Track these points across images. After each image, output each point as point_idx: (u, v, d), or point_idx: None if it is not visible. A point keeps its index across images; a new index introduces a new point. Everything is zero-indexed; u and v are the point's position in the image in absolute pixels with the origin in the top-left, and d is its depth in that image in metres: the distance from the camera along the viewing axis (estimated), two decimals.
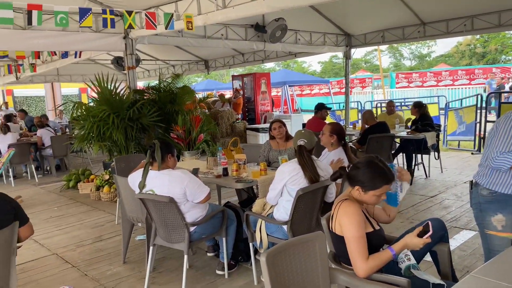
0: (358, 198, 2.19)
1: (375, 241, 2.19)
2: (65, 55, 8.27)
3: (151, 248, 3.58)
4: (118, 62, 12.77)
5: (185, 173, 3.35)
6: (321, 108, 6.90)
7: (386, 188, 2.17)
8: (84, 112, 6.83)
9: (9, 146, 8.22)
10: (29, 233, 2.74)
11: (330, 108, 7.60)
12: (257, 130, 10.97)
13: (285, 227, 3.24)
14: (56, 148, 8.95)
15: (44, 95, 20.01)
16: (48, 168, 9.61)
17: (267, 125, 11.38)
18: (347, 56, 10.87)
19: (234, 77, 13.83)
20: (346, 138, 4.23)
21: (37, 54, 8.08)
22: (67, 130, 12.07)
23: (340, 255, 2.23)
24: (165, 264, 4.04)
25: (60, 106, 15.07)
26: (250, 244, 3.50)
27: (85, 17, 4.60)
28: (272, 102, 13.93)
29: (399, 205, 2.54)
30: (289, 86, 16.81)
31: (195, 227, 3.40)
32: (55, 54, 8.60)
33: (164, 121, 7.31)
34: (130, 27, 5.07)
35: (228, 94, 14.99)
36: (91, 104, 7.15)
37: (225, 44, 8.50)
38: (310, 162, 3.18)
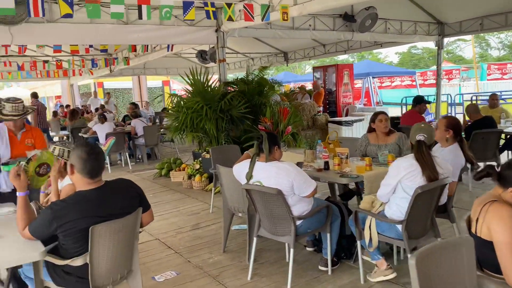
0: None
1: None
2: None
3: (254, 239, 3.59)
4: (202, 55, 13.08)
5: (291, 165, 3.30)
6: (420, 101, 6.51)
7: None
8: (180, 104, 7.07)
9: (107, 135, 8.79)
10: (150, 219, 2.85)
11: (429, 102, 7.16)
12: (339, 123, 10.69)
13: (399, 226, 3.07)
14: (148, 137, 9.42)
15: (131, 87, 21.26)
16: (140, 156, 10.16)
17: (350, 118, 11.08)
18: (439, 46, 10.21)
19: (315, 69, 13.61)
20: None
21: (133, 48, 8.51)
22: (157, 121, 12.65)
23: (485, 262, 2.03)
24: (265, 255, 4.04)
25: (156, 98, 15.84)
26: (358, 243, 3.38)
27: (189, 10, 4.72)
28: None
29: None
30: (372, 77, 16.22)
31: (301, 221, 3.34)
32: (147, 50, 9.02)
33: (252, 112, 7.36)
34: (230, 19, 5.11)
35: (308, 86, 14.79)
36: (184, 96, 7.37)
37: (313, 35, 8.36)
38: (430, 159, 2.97)
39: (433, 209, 3.17)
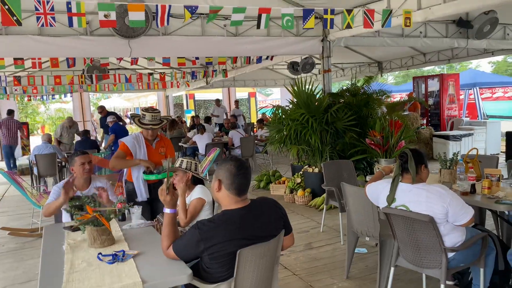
0: None
1: None
2: (259, 60, 8.58)
3: (392, 269, 3.20)
4: (293, 67, 12.93)
5: (445, 189, 2.88)
6: None
7: None
8: (283, 116, 6.89)
9: (207, 146, 8.89)
10: (291, 243, 2.62)
11: None
12: (446, 137, 9.82)
13: None
14: (245, 148, 9.38)
15: (220, 99, 21.78)
16: None
17: (458, 132, 10.16)
18: None
19: (415, 79, 12.78)
20: None
21: (234, 60, 8.55)
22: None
23: None
24: (397, 285, 3.62)
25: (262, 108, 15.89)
26: None
27: (308, 18, 4.51)
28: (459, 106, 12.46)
29: None
30: (479, 88, 14.89)
31: (454, 253, 2.89)
32: (249, 62, 9.01)
33: (357, 125, 6.95)
34: (348, 26, 4.82)
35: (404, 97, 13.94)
36: (288, 107, 7.17)
37: (424, 42, 7.76)
38: None
39: None
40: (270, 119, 7.84)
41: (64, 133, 10.20)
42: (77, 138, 10.11)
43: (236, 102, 16.82)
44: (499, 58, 36.84)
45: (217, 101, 15.91)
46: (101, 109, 11.25)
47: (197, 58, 7.95)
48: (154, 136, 3.91)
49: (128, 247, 2.58)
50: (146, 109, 3.82)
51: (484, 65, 38.30)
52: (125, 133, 9.34)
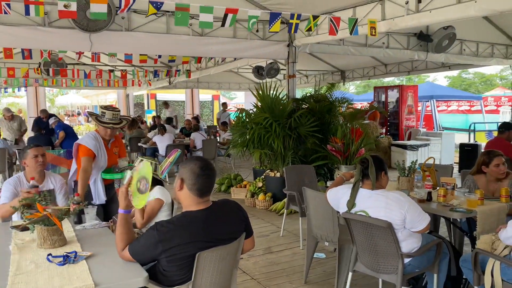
0: None
1: None
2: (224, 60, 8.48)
3: (349, 274, 3.23)
4: (258, 71, 12.97)
5: (403, 196, 2.93)
6: (509, 128, 5.94)
7: None
8: (247, 119, 6.86)
9: (167, 147, 8.71)
10: (251, 246, 2.57)
11: None
12: (404, 147, 10.14)
13: None
14: (207, 151, 9.27)
15: (183, 100, 21.47)
16: None
17: (415, 142, 10.51)
18: None
19: (376, 89, 13.14)
20: None
21: (199, 60, 8.44)
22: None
23: None
24: None
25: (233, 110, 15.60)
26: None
27: (275, 21, 4.51)
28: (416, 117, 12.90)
29: None
30: (436, 100, 15.49)
31: (410, 259, 2.95)
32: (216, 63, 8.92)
33: (320, 131, 7.03)
34: (310, 30, 4.85)
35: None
36: (252, 111, 7.15)
37: (386, 53, 7.97)
38: None
39: None
40: (233, 122, 7.79)
41: (2, 127, 9.51)
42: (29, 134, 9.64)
43: (224, 104, 16.55)
44: (455, 73, 38.57)
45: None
46: (45, 114, 10.58)
47: (159, 57, 7.79)
48: (112, 136, 3.76)
49: (80, 248, 2.45)
50: (106, 107, 3.67)
51: (441, 79, 39.96)
52: (70, 128, 9.76)
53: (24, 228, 2.62)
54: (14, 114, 10.16)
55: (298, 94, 8.69)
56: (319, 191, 3.91)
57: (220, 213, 2.29)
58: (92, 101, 28.26)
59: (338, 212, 3.31)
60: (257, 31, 6.59)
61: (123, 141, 11.46)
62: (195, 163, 2.21)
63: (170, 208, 3.49)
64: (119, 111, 3.69)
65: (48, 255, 2.27)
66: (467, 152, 9.36)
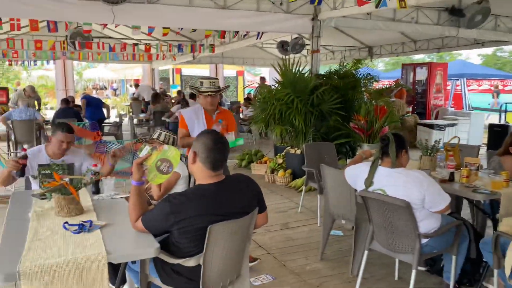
0: None
1: None
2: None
3: (365, 252, 3.19)
4: (283, 46, 12.73)
5: (423, 175, 2.85)
6: None
7: None
8: (268, 95, 6.78)
9: None
10: (265, 221, 2.56)
11: None
12: (431, 126, 9.86)
13: None
14: None
15: (208, 75, 21.45)
16: None
17: (442, 121, 10.21)
18: None
19: (404, 66, 12.74)
20: None
21: (222, 35, 8.34)
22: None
23: None
24: (370, 269, 3.62)
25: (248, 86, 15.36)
26: (495, 271, 2.85)
27: None
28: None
29: None
30: (466, 79, 14.93)
31: (428, 239, 2.88)
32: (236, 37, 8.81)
33: (343, 109, 6.89)
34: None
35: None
36: (274, 86, 7.06)
37: (415, 28, 7.70)
38: None
39: None
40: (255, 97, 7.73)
41: (20, 102, 9.69)
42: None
43: (262, 78, 15.49)
44: (489, 51, 36.93)
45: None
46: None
47: (181, 29, 7.72)
48: (214, 106, 3.72)
49: (96, 217, 2.49)
50: (204, 77, 3.74)
51: (474, 57, 38.40)
52: (95, 100, 10.28)
53: (43, 196, 2.68)
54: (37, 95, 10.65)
55: (324, 70, 8.50)
56: (339, 169, 3.84)
57: (232, 187, 2.27)
58: (119, 75, 28.56)
59: (356, 190, 3.25)
60: (281, 4, 6.43)
61: (143, 114, 11.54)
62: (207, 136, 2.20)
63: (187, 181, 3.51)
64: (216, 79, 3.72)
65: (65, 223, 2.32)
66: (497, 133, 9.02)
